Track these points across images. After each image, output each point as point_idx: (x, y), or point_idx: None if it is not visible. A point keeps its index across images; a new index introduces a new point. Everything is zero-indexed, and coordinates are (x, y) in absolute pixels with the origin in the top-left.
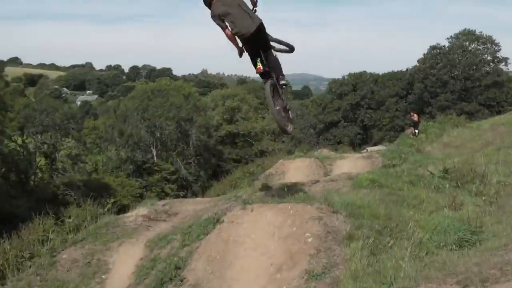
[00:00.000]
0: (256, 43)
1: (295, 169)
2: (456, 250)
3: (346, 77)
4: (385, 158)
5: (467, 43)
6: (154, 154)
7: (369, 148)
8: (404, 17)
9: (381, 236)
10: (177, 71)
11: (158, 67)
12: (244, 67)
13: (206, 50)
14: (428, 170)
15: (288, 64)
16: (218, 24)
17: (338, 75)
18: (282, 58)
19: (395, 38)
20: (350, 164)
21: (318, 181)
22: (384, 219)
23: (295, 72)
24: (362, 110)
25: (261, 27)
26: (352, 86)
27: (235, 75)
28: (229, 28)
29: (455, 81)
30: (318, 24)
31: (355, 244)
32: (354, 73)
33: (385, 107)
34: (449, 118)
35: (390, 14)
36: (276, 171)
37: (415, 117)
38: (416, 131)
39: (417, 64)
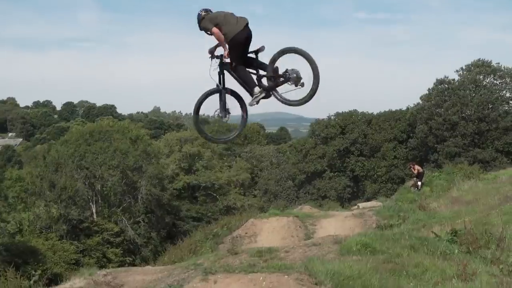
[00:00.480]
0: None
1: (270, 230)
2: None
3: (332, 117)
4: (380, 216)
5: (481, 77)
6: (94, 211)
7: (361, 205)
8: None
9: None
10: (122, 109)
11: (98, 103)
12: (206, 104)
13: (159, 84)
14: (433, 232)
15: (261, 102)
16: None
17: (322, 115)
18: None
19: (392, 69)
20: (337, 224)
21: (297, 245)
22: None
23: (269, 111)
24: (353, 157)
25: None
26: (339, 128)
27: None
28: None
29: (466, 123)
30: None
31: None
32: (343, 113)
33: (380, 154)
34: (459, 167)
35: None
36: (246, 233)
37: (416, 169)
38: (419, 183)
39: (420, 102)
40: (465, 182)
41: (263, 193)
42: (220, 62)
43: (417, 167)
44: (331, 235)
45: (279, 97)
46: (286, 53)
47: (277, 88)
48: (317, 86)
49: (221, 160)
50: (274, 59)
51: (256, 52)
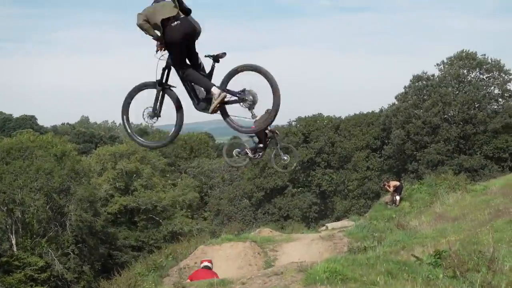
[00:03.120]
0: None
1: (223, 258)
2: None
3: (293, 123)
4: (352, 238)
5: (465, 71)
6: (14, 242)
7: (330, 225)
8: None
9: None
10: (44, 121)
11: (15, 114)
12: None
13: (88, 90)
14: (413, 255)
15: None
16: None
17: (281, 121)
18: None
19: (363, 65)
20: (302, 248)
21: (256, 275)
22: None
23: (219, 118)
24: (319, 170)
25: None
26: (302, 136)
27: (132, 123)
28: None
29: (449, 125)
30: (252, 47)
31: None
32: (305, 118)
33: (351, 164)
34: (442, 178)
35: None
36: (195, 263)
37: (392, 185)
38: (398, 197)
39: (396, 102)
40: (450, 195)
41: (214, 215)
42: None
43: (393, 183)
44: (295, 262)
45: (229, 120)
46: (244, 70)
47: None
48: (276, 114)
49: (163, 177)
50: (229, 76)
51: (215, 58)
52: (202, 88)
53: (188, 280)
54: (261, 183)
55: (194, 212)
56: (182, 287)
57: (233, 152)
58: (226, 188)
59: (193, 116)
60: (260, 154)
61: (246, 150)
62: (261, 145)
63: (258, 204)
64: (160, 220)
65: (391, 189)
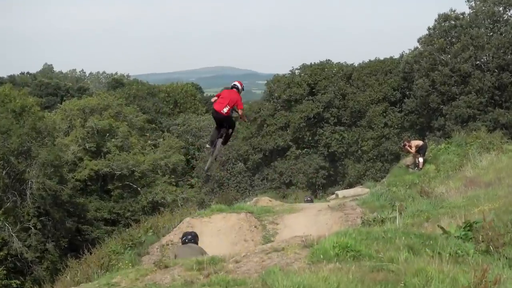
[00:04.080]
0: None
1: (214, 233)
2: None
3: (297, 72)
4: (367, 208)
5: (500, 9)
6: None
7: (340, 193)
8: None
9: None
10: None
11: None
12: (121, 60)
13: (51, 32)
14: (439, 227)
15: (204, 55)
16: None
17: (282, 69)
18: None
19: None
20: (307, 220)
21: (252, 252)
22: None
23: (209, 66)
24: (327, 127)
25: None
26: (307, 87)
27: (104, 73)
28: None
29: (482, 74)
30: None
31: None
32: (311, 65)
33: (365, 121)
34: (474, 136)
35: None
36: (180, 238)
37: (414, 145)
38: (421, 159)
39: (418, 47)
40: (483, 156)
41: (203, 182)
42: None
43: (415, 142)
44: (298, 236)
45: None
46: None
47: None
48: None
49: (142, 137)
50: None
51: None
52: None
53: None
54: (258, 144)
55: (179, 179)
56: (165, 266)
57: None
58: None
59: (177, 63)
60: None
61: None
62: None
63: (255, 168)
64: (139, 188)
65: (413, 149)
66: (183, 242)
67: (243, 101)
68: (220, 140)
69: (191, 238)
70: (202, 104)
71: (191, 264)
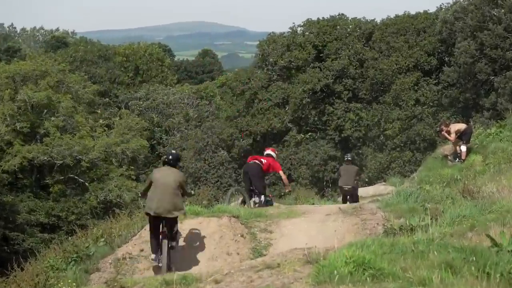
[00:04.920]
0: None
1: (186, 242)
2: None
3: (299, 30)
4: (391, 212)
5: None
6: None
7: None
8: None
9: None
10: None
11: None
12: (64, 12)
13: None
14: (488, 237)
15: (175, 7)
16: None
17: (280, 27)
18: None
19: None
20: (311, 227)
21: (237, 269)
22: None
23: (183, 20)
24: (339, 104)
25: None
26: (314, 51)
27: (42, 29)
28: None
29: None
30: None
31: None
32: (319, 21)
33: (390, 96)
34: None
35: None
36: (142, 250)
37: (455, 129)
38: (463, 148)
39: (460, 0)
40: None
41: None
42: None
43: (456, 126)
44: (299, 249)
45: None
46: None
47: None
48: None
49: (91, 115)
50: None
51: None
52: None
53: None
54: (247, 125)
55: (141, 171)
56: (120, 286)
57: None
58: (192, 132)
59: (140, 17)
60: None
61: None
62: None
63: (243, 158)
64: (86, 183)
65: (453, 135)
66: (163, 162)
67: (229, 67)
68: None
69: (171, 160)
70: (173, 72)
71: (155, 284)
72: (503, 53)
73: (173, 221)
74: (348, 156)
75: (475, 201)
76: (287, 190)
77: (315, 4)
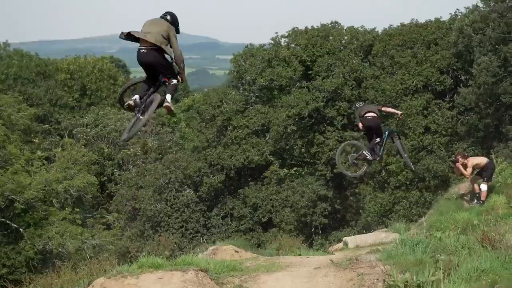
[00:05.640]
0: None
1: None
2: None
3: (283, 41)
4: (394, 265)
5: None
6: None
7: (351, 240)
8: None
9: None
10: None
11: None
12: None
13: None
14: None
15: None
16: None
17: (258, 37)
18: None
19: None
20: (296, 284)
21: None
22: None
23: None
24: (332, 132)
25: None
26: (301, 67)
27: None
28: None
29: None
30: None
31: None
32: (307, 31)
33: (394, 122)
34: None
35: None
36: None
37: (472, 163)
38: (483, 187)
39: (480, 5)
40: None
41: (127, 219)
42: None
43: (473, 159)
44: None
45: None
46: None
47: None
48: None
49: (27, 144)
50: None
51: None
52: None
53: None
54: (218, 158)
55: (88, 214)
56: None
57: (349, 159)
58: (151, 167)
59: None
60: (380, 151)
61: (364, 152)
62: (378, 139)
63: (213, 198)
64: (21, 229)
65: (469, 170)
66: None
67: (196, 86)
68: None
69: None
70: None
71: None
72: None
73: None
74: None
75: (497, 251)
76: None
77: (302, 10)
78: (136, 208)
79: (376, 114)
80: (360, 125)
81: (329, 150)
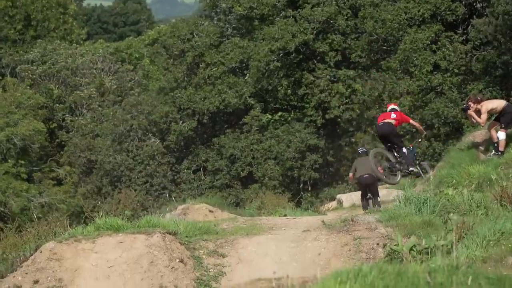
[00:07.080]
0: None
1: (100, 271)
2: None
3: None
4: (396, 227)
5: None
6: None
7: (346, 197)
8: None
9: None
10: None
11: None
12: None
13: None
14: None
15: None
16: None
17: None
18: None
19: None
20: (281, 249)
21: None
22: None
23: None
24: (323, 70)
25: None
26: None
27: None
28: None
29: None
30: None
31: None
32: None
33: (397, 59)
34: None
35: None
36: (36, 281)
37: (488, 108)
38: (501, 135)
39: None
40: None
41: (82, 173)
42: None
43: (489, 103)
44: (264, 280)
45: None
46: None
47: None
48: None
49: None
50: None
51: None
52: None
53: None
54: (188, 101)
55: (35, 167)
56: None
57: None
58: (109, 111)
59: None
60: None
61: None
62: (369, 195)
63: (183, 148)
64: None
65: (484, 116)
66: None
67: (162, 16)
68: None
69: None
70: (80, 23)
71: None
72: None
73: None
74: (363, 148)
75: None
76: (423, 135)
77: None
78: (91, 160)
79: (373, 173)
80: (351, 180)
81: (319, 91)
